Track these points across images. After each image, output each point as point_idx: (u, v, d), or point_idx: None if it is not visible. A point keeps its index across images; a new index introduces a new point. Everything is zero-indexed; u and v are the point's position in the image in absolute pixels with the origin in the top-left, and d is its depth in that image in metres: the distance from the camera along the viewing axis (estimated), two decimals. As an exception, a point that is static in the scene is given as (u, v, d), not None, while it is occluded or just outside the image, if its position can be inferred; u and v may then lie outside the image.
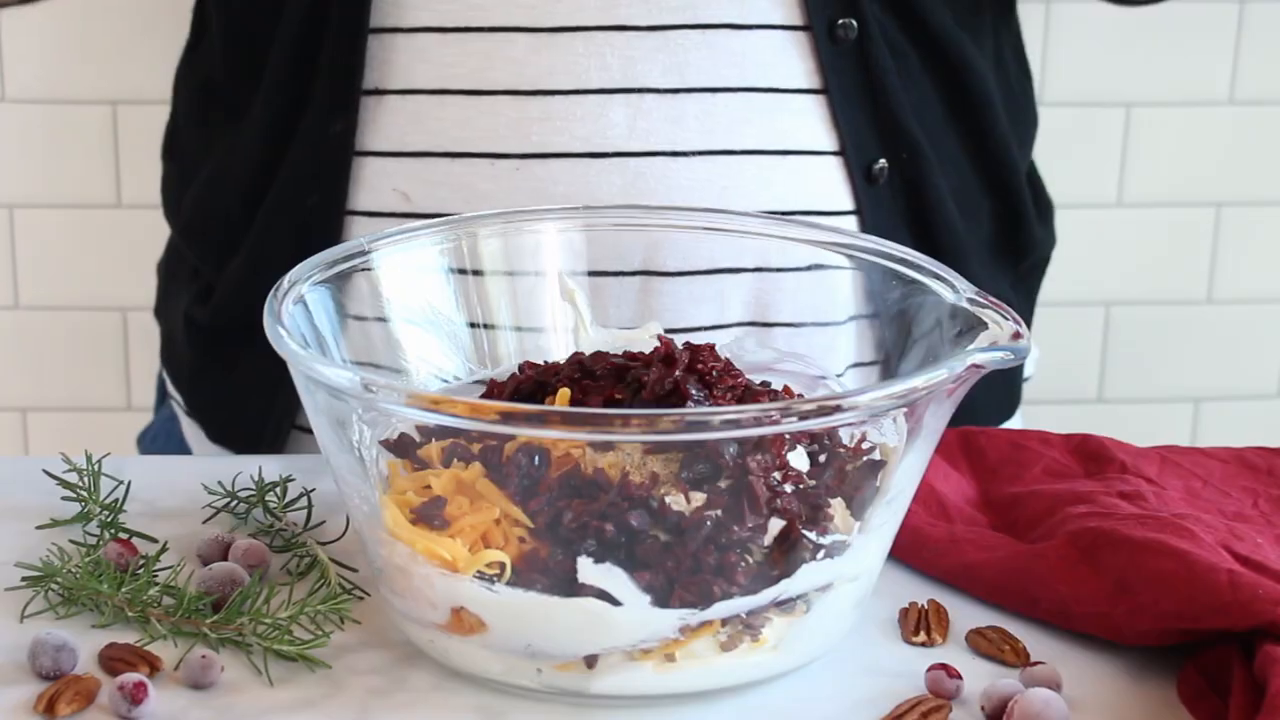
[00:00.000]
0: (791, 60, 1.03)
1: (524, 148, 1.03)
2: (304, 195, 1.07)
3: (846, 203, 1.07)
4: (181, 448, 1.21)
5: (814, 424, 0.78)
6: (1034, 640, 0.85)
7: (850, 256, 0.94)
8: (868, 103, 1.05)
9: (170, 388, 1.21)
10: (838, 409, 0.77)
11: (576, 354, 0.90)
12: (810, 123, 1.05)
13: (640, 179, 1.02)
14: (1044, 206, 1.22)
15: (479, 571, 0.78)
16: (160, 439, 1.25)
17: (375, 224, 1.06)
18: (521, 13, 1.02)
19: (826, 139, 1.05)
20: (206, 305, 1.15)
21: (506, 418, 0.75)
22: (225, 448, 1.17)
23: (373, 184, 1.06)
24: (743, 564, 0.78)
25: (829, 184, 1.06)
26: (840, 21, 1.03)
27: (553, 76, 1.02)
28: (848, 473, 0.82)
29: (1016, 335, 0.82)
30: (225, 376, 1.15)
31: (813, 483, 0.80)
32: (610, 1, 1.01)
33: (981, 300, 0.85)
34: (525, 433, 0.78)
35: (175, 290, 1.20)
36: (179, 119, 1.22)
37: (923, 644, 0.85)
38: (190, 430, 1.20)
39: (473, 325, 0.95)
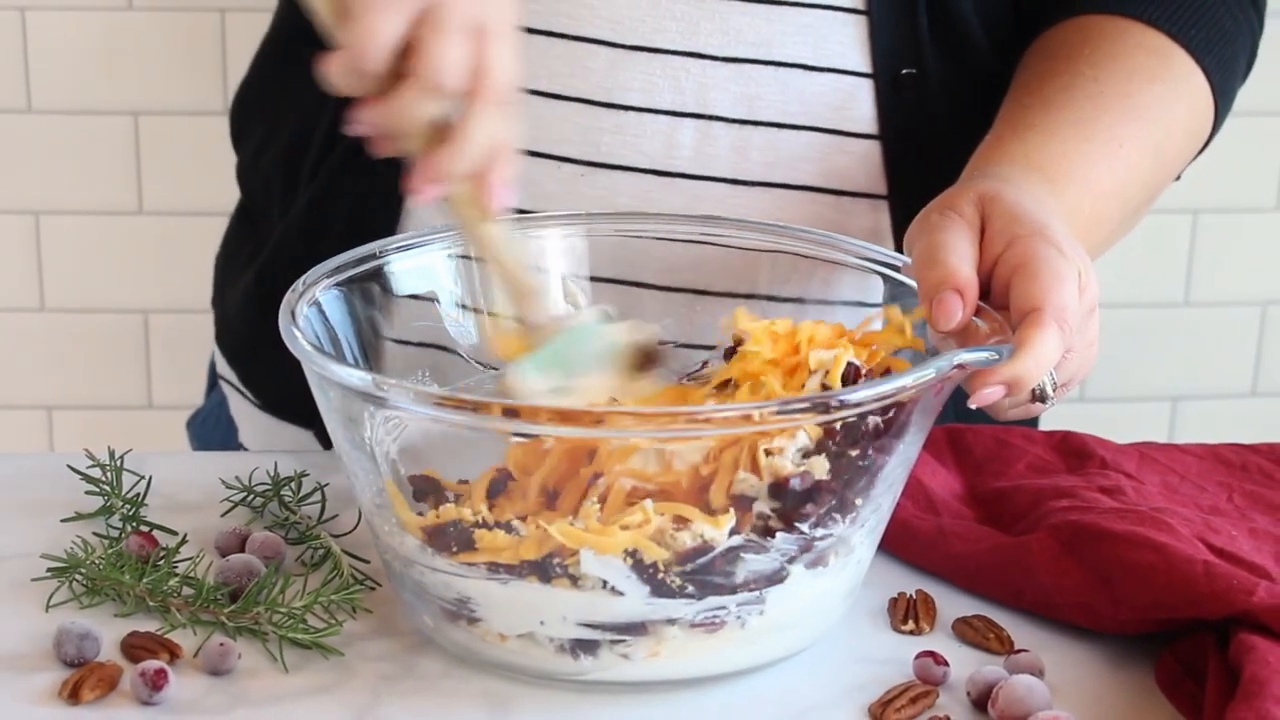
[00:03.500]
0: (855, 104, 1.04)
1: (592, 156, 1.04)
2: (368, 166, 1.05)
3: (892, 244, 1.08)
4: (230, 427, 1.23)
5: (806, 422, 0.79)
6: (1018, 629, 0.87)
7: (843, 261, 0.95)
8: (921, 149, 1.06)
9: (223, 366, 1.23)
10: (829, 408, 0.79)
11: None
12: (866, 166, 1.06)
13: (698, 202, 1.03)
14: None
15: (482, 565, 0.80)
16: (210, 422, 1.27)
17: (435, 210, 1.06)
18: (606, 26, 1.02)
19: (879, 183, 1.06)
20: (261, 270, 1.15)
21: (509, 416, 0.78)
22: (277, 416, 1.18)
23: None
24: (739, 557, 0.80)
25: (879, 224, 1.07)
26: (904, 71, 1.04)
27: (628, 92, 1.02)
28: (840, 468, 0.84)
29: (1001, 338, 0.83)
30: (276, 346, 1.15)
31: (805, 478, 0.81)
32: (691, 29, 1.02)
33: None
34: (528, 429, 0.80)
35: (233, 271, 1.21)
36: (264, 69, 1.21)
37: (911, 632, 0.87)
38: (240, 407, 1.21)
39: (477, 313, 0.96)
